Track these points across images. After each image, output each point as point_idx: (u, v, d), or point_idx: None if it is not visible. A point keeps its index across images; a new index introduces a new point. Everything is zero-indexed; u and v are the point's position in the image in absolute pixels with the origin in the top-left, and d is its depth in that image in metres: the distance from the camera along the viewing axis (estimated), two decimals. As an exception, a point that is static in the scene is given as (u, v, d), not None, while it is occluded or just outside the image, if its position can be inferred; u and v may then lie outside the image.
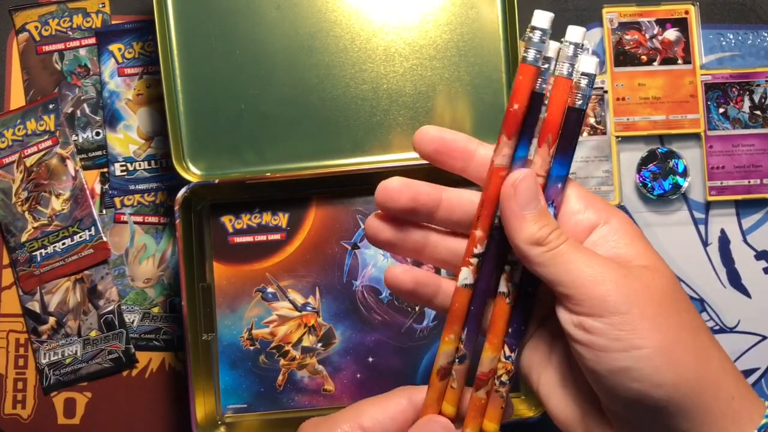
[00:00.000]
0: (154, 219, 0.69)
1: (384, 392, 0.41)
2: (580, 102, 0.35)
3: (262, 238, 0.65)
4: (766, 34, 0.70)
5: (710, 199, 0.68)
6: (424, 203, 0.38)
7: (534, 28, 0.36)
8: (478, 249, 0.37)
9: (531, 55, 0.36)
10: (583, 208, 0.37)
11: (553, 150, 0.36)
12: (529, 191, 0.35)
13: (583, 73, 0.35)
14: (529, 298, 0.38)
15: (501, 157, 0.36)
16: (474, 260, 0.37)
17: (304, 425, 0.41)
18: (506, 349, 0.37)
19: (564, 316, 0.35)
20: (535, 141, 0.37)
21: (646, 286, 0.34)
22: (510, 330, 0.37)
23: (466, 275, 0.37)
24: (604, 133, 0.68)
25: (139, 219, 0.69)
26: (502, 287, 0.37)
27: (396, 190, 0.38)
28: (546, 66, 0.36)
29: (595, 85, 0.69)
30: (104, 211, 0.69)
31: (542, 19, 0.36)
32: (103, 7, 0.70)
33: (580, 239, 0.36)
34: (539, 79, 0.36)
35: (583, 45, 0.36)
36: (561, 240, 0.34)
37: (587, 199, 0.37)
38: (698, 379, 0.33)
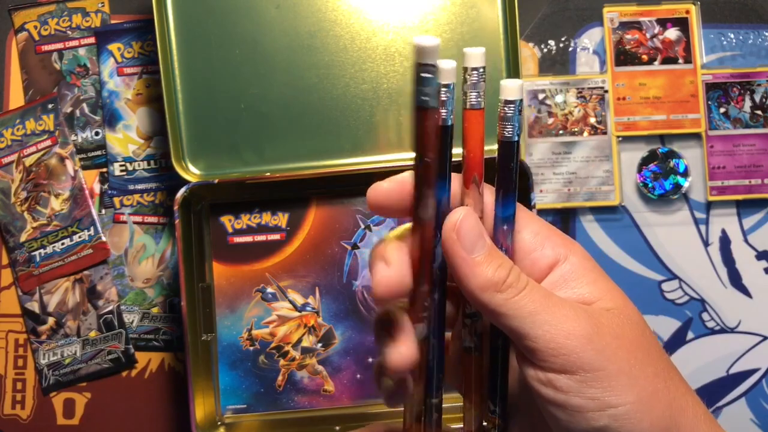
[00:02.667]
0: (153, 219, 0.69)
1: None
2: (509, 133, 0.31)
3: (261, 238, 0.64)
4: (767, 34, 0.70)
5: (711, 199, 0.68)
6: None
7: (422, 65, 0.31)
8: (428, 302, 0.33)
9: (426, 97, 0.31)
10: (539, 244, 0.33)
11: (482, 188, 0.33)
12: (473, 231, 0.31)
13: (506, 101, 0.31)
14: (499, 349, 0.34)
15: (428, 210, 0.32)
16: (426, 314, 0.33)
17: None
18: (490, 403, 0.34)
19: (531, 373, 0.31)
20: (455, 177, 0.33)
21: (618, 336, 0.31)
22: (489, 384, 0.34)
23: (421, 330, 0.33)
24: (605, 133, 0.68)
25: (139, 219, 0.69)
26: (467, 342, 0.34)
27: (385, 191, 0.35)
28: (446, 97, 0.32)
29: (595, 85, 0.69)
30: (103, 211, 0.69)
31: (429, 53, 0.31)
32: (103, 6, 0.70)
33: (538, 281, 0.33)
34: (443, 111, 0.32)
35: (483, 69, 0.31)
36: (523, 282, 0.31)
37: (543, 234, 0.34)
38: (675, 430, 0.31)
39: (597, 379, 0.30)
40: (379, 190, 0.35)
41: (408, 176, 0.33)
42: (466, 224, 0.31)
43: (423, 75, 0.30)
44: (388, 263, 0.32)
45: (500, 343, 0.34)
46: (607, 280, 0.33)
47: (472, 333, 0.34)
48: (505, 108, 0.31)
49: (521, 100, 0.31)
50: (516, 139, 0.31)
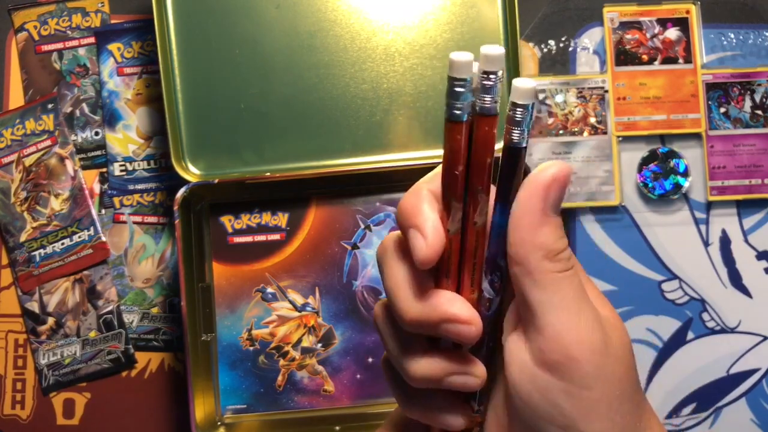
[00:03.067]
0: (153, 219, 0.69)
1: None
2: (517, 138, 0.29)
3: (261, 238, 0.64)
4: (767, 34, 0.69)
5: (711, 199, 0.68)
6: None
7: (455, 79, 0.29)
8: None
9: (459, 111, 0.29)
10: None
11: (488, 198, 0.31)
12: (561, 191, 0.29)
13: (515, 104, 0.28)
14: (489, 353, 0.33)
15: (455, 222, 0.30)
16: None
17: None
18: (474, 404, 0.33)
19: (515, 352, 0.30)
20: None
21: (619, 359, 0.29)
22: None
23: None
24: (605, 133, 0.68)
25: (139, 219, 0.69)
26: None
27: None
28: (520, 117, 0.29)
29: (595, 85, 0.69)
30: (103, 211, 0.69)
31: (463, 68, 0.28)
32: (102, 6, 0.70)
33: None
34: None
35: (498, 74, 0.28)
36: (573, 262, 0.29)
37: None
38: None
39: (578, 398, 0.28)
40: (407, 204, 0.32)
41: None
42: (561, 181, 0.29)
43: (455, 89, 0.28)
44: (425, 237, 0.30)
45: (491, 345, 0.33)
46: (599, 293, 0.32)
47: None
48: (517, 111, 0.29)
49: (533, 104, 0.29)
50: (524, 144, 0.29)
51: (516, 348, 0.30)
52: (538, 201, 0.29)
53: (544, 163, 0.29)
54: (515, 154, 0.29)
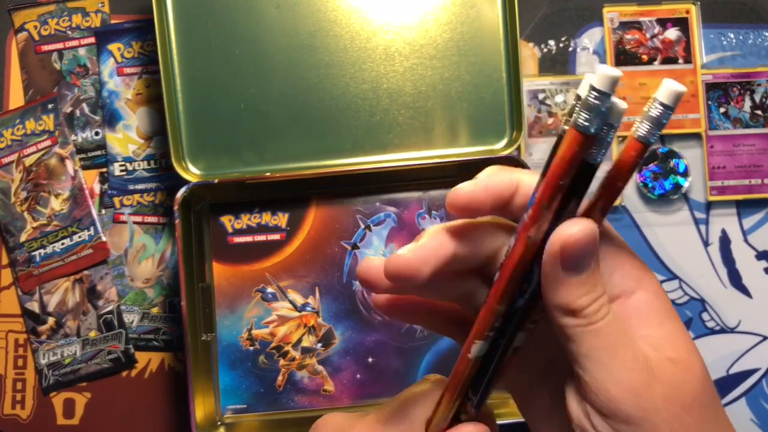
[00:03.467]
0: (153, 219, 0.69)
1: (383, 392, 0.40)
2: (592, 158, 0.29)
3: (261, 238, 0.64)
4: (767, 34, 0.69)
5: (711, 198, 0.68)
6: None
7: (598, 92, 0.28)
8: (498, 323, 0.32)
9: (587, 123, 0.28)
10: (608, 270, 0.30)
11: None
12: (583, 252, 0.29)
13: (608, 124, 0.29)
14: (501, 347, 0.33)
15: (539, 233, 0.30)
16: (491, 333, 0.32)
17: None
18: (470, 391, 0.33)
19: (570, 393, 0.31)
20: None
21: (671, 395, 0.29)
22: (479, 375, 0.33)
23: (480, 348, 0.32)
24: (605, 133, 0.68)
25: (139, 219, 0.69)
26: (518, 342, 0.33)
27: (469, 194, 0.31)
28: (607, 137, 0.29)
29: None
30: (103, 211, 0.69)
31: (606, 81, 0.27)
32: (103, 6, 0.70)
33: None
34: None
35: (670, 107, 0.28)
36: (600, 315, 0.29)
37: (614, 262, 0.31)
38: None
39: None
40: (462, 192, 0.31)
41: (491, 180, 0.31)
42: (576, 242, 0.29)
43: (593, 101, 0.28)
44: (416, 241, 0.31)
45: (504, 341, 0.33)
46: (675, 322, 0.31)
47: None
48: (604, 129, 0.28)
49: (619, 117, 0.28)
50: (599, 160, 0.29)
51: (571, 393, 0.31)
52: (552, 267, 0.29)
53: (571, 220, 0.29)
54: (588, 170, 0.29)
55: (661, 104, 0.28)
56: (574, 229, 0.29)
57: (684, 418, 0.29)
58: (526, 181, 0.31)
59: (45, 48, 0.70)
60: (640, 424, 0.28)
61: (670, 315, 0.31)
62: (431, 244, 0.30)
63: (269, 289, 0.64)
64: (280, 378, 0.64)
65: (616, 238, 0.31)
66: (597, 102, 0.28)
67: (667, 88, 0.28)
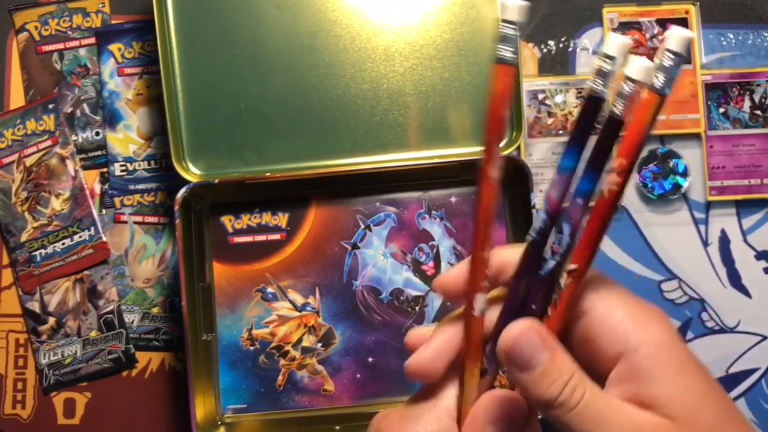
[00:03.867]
0: (153, 219, 0.69)
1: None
2: (510, 55, 0.30)
3: (261, 238, 0.65)
4: (766, 34, 0.70)
5: (710, 199, 0.68)
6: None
7: (506, 22, 0.29)
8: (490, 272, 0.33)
9: (506, 53, 0.30)
10: (608, 329, 0.31)
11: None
12: (525, 349, 0.30)
13: (605, 55, 0.30)
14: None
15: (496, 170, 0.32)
16: (486, 283, 0.33)
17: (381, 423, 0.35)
18: (484, 360, 0.34)
19: None
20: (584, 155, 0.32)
21: None
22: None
23: (483, 300, 0.33)
24: (605, 133, 0.68)
25: (139, 219, 0.69)
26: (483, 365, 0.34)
27: (453, 278, 0.34)
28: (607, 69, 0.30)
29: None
30: (104, 211, 0.69)
31: (514, 11, 0.29)
32: (103, 6, 0.70)
33: (605, 371, 0.31)
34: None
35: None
36: (576, 399, 0.30)
37: (615, 317, 0.31)
38: None
39: None
40: (446, 277, 0.34)
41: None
42: (518, 342, 0.30)
43: (503, 32, 0.29)
44: (426, 344, 0.34)
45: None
46: (686, 377, 0.30)
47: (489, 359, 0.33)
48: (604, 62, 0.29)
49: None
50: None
51: None
52: (510, 368, 0.31)
53: (510, 325, 0.30)
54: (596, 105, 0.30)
55: (673, 53, 0.28)
56: (510, 333, 0.30)
57: None
58: (511, 257, 0.33)
59: (46, 48, 0.70)
60: None
61: (681, 367, 0.30)
62: (439, 344, 0.33)
63: (269, 289, 0.64)
64: (280, 378, 0.64)
65: (611, 288, 0.31)
66: (511, 32, 0.29)
67: (676, 36, 0.28)
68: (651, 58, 0.30)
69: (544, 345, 0.30)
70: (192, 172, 0.63)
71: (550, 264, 0.32)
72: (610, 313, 0.31)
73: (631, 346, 0.30)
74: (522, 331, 0.30)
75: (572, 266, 0.31)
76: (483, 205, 0.32)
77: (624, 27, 0.69)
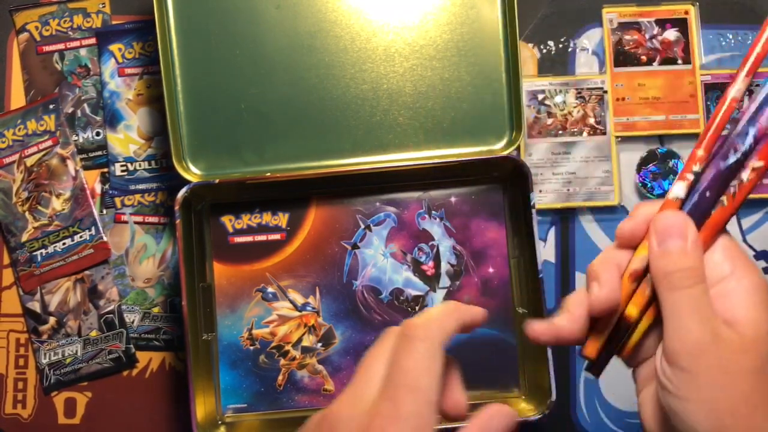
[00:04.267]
0: (154, 219, 0.69)
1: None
2: None
3: (262, 238, 0.65)
4: (765, 34, 0.70)
5: (710, 199, 0.68)
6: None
7: None
8: (697, 167, 0.38)
9: None
10: (722, 258, 0.37)
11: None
12: (669, 229, 0.37)
13: None
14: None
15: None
16: (690, 176, 0.38)
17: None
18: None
19: (659, 349, 0.37)
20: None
21: (717, 363, 0.34)
22: None
23: (680, 188, 0.38)
24: (604, 133, 0.69)
25: (140, 219, 0.69)
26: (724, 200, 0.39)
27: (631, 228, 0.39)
28: None
29: (594, 86, 0.69)
30: (104, 211, 0.69)
31: None
32: (104, 7, 0.70)
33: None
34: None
35: None
36: (689, 282, 0.36)
37: (731, 252, 0.38)
38: None
39: (686, 387, 0.35)
40: (625, 226, 0.39)
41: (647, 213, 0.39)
42: (664, 220, 0.37)
43: None
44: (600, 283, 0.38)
45: None
46: (763, 313, 0.36)
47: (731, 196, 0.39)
48: None
49: None
50: None
51: (659, 350, 0.37)
52: (650, 239, 0.38)
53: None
54: None
55: None
56: (667, 220, 0.38)
57: (726, 381, 0.34)
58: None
59: (46, 48, 0.70)
60: (690, 378, 0.35)
61: (762, 305, 0.36)
62: (576, 311, 0.39)
63: (270, 289, 0.64)
64: (280, 377, 0.64)
65: (728, 240, 0.39)
66: None
67: None
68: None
69: (677, 233, 0.37)
70: (192, 172, 0.63)
71: (732, 159, 0.38)
72: (730, 248, 0.38)
73: (738, 276, 0.37)
74: (671, 214, 0.37)
75: (759, 163, 0.37)
76: (716, 115, 0.39)
77: (623, 27, 0.69)
